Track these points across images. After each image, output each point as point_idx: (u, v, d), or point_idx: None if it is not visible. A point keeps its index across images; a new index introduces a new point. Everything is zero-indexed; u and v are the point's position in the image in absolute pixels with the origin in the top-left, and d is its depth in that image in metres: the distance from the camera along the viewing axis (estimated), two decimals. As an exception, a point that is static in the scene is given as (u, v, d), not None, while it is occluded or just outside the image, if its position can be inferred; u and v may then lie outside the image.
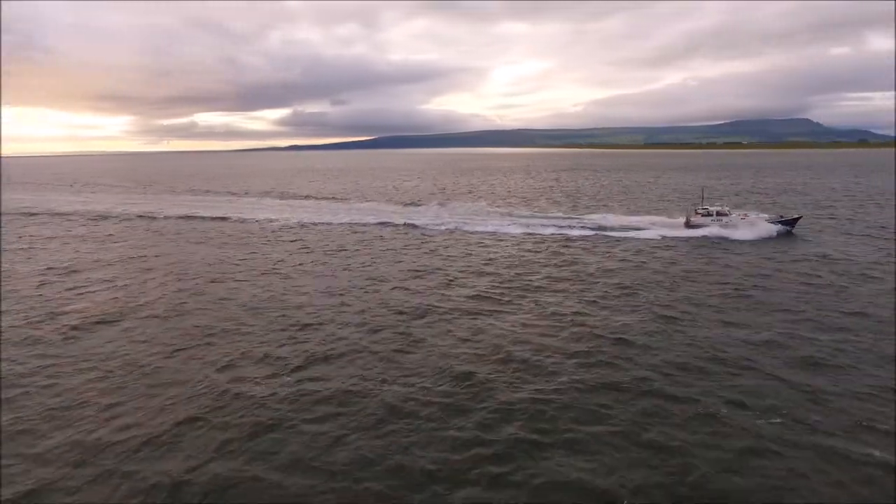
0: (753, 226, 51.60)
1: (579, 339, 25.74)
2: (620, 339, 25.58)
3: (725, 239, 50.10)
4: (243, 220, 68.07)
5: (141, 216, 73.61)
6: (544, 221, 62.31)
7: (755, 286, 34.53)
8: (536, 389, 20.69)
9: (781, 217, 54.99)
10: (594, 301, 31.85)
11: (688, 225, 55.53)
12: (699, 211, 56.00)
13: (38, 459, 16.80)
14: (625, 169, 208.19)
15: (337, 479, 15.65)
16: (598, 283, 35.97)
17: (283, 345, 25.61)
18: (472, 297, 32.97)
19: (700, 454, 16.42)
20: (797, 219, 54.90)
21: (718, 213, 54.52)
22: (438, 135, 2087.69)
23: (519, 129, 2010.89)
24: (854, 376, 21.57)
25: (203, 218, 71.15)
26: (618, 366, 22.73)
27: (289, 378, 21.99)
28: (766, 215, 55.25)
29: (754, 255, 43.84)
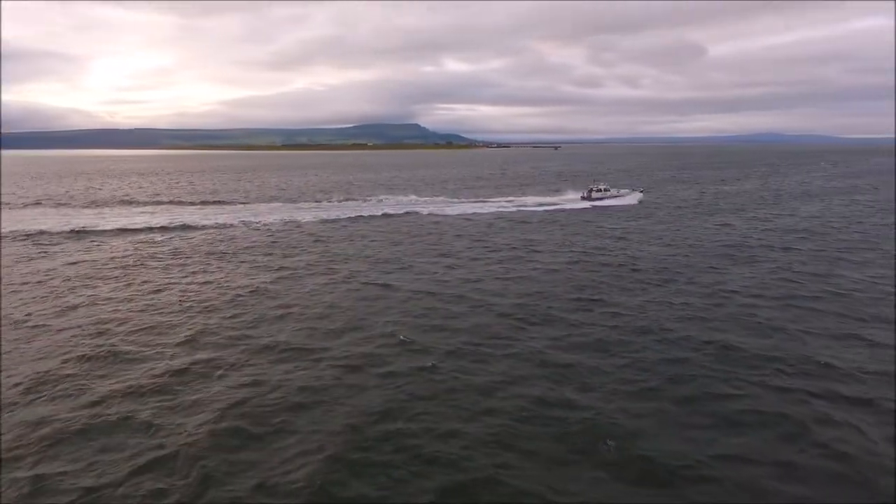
0: (632, 194, 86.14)
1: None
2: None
3: (621, 205, 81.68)
4: None
5: None
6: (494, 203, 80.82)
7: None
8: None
9: (638, 189, 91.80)
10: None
11: (587, 199, 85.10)
12: (593, 188, 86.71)
13: None
14: (326, 167, 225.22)
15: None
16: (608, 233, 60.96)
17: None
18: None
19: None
20: (643, 190, 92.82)
21: (604, 189, 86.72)
22: (22, 133, 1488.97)
23: (138, 129, 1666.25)
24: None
25: None
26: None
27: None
28: (627, 189, 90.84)
29: (650, 210, 77.48)
